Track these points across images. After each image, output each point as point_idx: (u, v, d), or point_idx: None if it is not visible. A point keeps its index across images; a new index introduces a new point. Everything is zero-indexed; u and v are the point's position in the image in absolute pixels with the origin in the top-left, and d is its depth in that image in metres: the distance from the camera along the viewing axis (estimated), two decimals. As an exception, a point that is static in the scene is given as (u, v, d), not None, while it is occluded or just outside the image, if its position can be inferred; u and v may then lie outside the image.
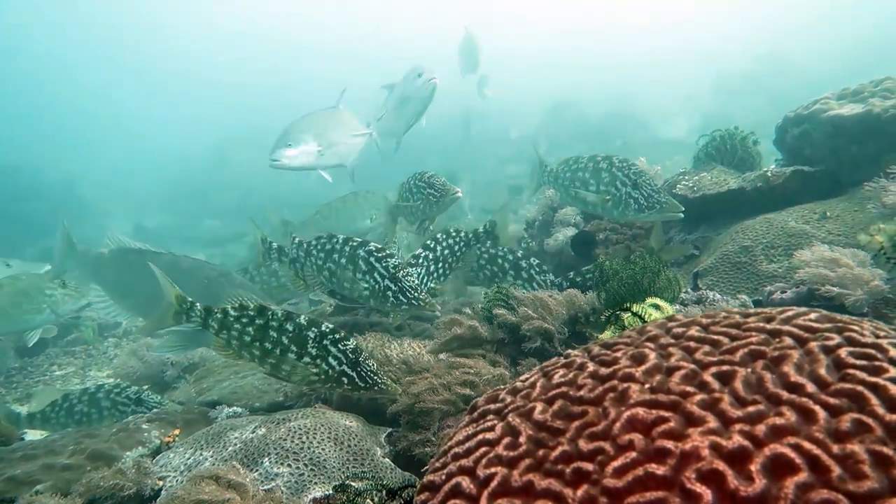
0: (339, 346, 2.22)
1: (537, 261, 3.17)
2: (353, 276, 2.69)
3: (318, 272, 2.85)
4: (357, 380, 2.24)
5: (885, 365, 0.89)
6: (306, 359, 2.21)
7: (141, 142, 20.16)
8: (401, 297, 2.62)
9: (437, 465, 1.04)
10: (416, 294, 2.64)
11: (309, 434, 2.12)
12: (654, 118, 10.24)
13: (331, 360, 2.21)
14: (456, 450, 1.03)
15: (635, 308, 2.34)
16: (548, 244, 3.94)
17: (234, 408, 2.79)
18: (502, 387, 1.16)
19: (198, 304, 2.27)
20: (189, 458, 2.19)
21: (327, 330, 2.21)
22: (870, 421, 0.82)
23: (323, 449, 2.06)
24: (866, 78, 3.29)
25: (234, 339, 2.24)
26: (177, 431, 2.55)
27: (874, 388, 0.86)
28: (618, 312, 2.34)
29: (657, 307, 2.34)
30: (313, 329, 2.20)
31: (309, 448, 2.05)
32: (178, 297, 2.27)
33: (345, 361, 2.22)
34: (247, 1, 23.70)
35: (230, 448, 2.16)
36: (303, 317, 2.22)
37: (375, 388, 2.23)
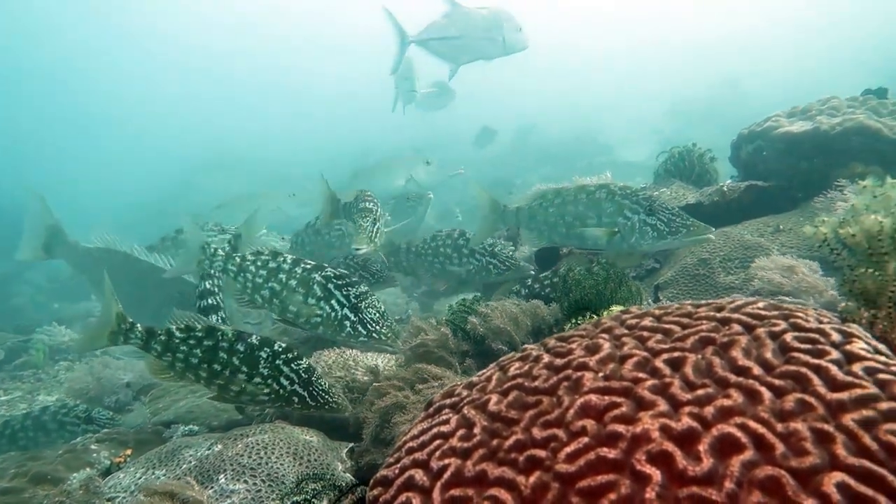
0: (292, 365, 2.18)
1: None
2: (304, 301, 2.59)
3: (253, 291, 2.72)
4: (308, 399, 2.20)
5: (828, 348, 0.92)
6: (257, 379, 2.15)
7: (104, 164, 19.69)
8: (359, 329, 2.55)
9: (391, 460, 1.02)
10: (376, 327, 2.57)
11: (267, 449, 2.06)
12: (616, 142, 10.53)
13: (282, 379, 2.17)
14: (410, 444, 1.01)
15: (601, 314, 2.36)
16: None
17: (191, 426, 2.69)
18: (459, 382, 1.14)
19: (139, 325, 2.16)
20: (140, 478, 2.10)
21: (280, 349, 2.16)
22: (812, 400, 0.84)
23: (281, 464, 2.00)
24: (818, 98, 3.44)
25: (178, 361, 2.15)
26: (128, 451, 2.45)
27: (817, 369, 0.88)
28: (579, 322, 2.35)
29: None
30: (266, 349, 2.15)
31: (267, 464, 1.99)
32: (119, 316, 2.17)
33: (296, 381, 2.18)
34: (208, 29, 23.53)
35: (184, 466, 2.08)
36: (254, 336, 2.16)
37: (326, 406, 2.20)
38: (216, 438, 2.17)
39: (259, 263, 2.76)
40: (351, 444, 2.27)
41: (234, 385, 2.15)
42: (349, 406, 2.31)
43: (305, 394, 2.17)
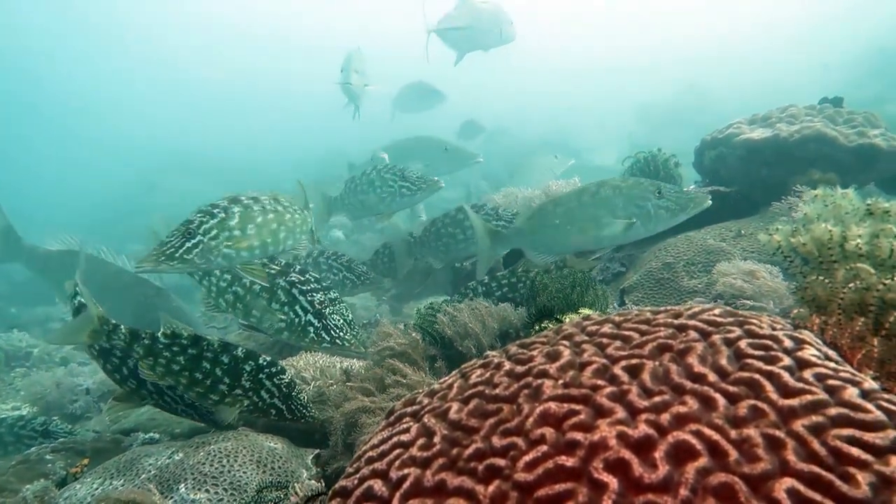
0: (275, 380, 2.17)
1: None
2: (268, 306, 2.56)
3: (219, 294, 2.68)
4: (286, 412, 2.21)
5: (780, 354, 0.94)
6: (238, 391, 2.13)
7: (64, 163, 19.07)
8: (323, 335, 2.53)
9: (351, 470, 1.00)
10: (340, 334, 2.55)
11: (230, 457, 2.02)
12: (586, 145, 10.67)
13: (263, 393, 2.16)
14: (370, 454, 0.99)
15: (565, 320, 2.37)
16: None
17: (152, 434, 2.62)
18: (420, 390, 1.14)
19: (122, 326, 2.12)
20: (98, 489, 2.04)
21: (264, 363, 2.15)
22: (765, 406, 0.85)
23: (245, 472, 1.96)
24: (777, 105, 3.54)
25: (160, 366, 2.11)
26: (85, 461, 2.37)
27: (769, 375, 0.90)
28: (546, 326, 2.37)
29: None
30: (250, 362, 2.13)
31: (229, 472, 1.95)
32: (101, 318, 2.11)
33: (277, 395, 2.18)
34: (175, 28, 22.94)
35: (143, 476, 2.03)
36: (240, 349, 2.14)
37: (303, 420, 2.20)
38: (178, 446, 2.11)
39: None
40: (317, 451, 2.24)
41: (214, 394, 2.12)
42: (321, 417, 2.31)
43: (284, 407, 2.18)
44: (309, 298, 2.56)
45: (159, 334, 2.10)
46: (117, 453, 2.41)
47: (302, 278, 2.64)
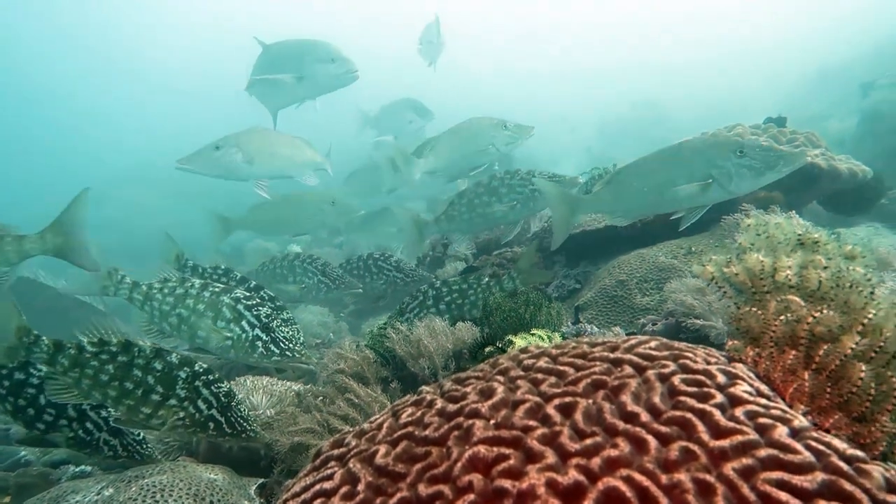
0: (212, 388, 2.06)
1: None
2: (213, 325, 2.49)
3: (161, 319, 2.60)
4: (225, 425, 2.07)
5: (713, 391, 0.92)
6: (172, 401, 2.01)
7: (4, 174, 18.20)
8: (272, 348, 2.46)
9: (270, 522, 0.94)
10: (289, 345, 2.49)
11: (164, 492, 1.91)
12: (545, 157, 10.80)
13: (200, 402, 2.04)
14: (291, 503, 0.93)
15: (517, 341, 2.35)
16: (439, 275, 3.98)
17: (83, 467, 2.48)
18: (350, 430, 1.08)
19: (44, 338, 2.00)
20: (17, 531, 1.91)
21: (200, 370, 2.04)
22: (696, 448, 0.83)
23: (180, 508, 1.86)
24: (725, 124, 3.63)
25: (86, 377, 1.99)
26: (6, 500, 2.22)
27: (702, 414, 0.88)
28: (499, 346, 2.34)
29: (541, 339, 2.37)
30: (185, 369, 2.02)
31: (164, 508, 1.85)
32: (20, 329, 1.99)
33: (215, 405, 2.06)
34: (124, 31, 22.10)
35: (69, 514, 1.91)
36: (174, 355, 2.03)
37: (244, 434, 2.08)
38: (109, 481, 1.99)
39: (166, 290, 2.64)
40: (261, 480, 2.15)
41: (146, 407, 1.99)
42: (266, 437, 2.21)
43: (223, 419, 2.05)
44: (255, 313, 2.50)
45: (86, 342, 1.99)
46: (45, 488, 2.26)
47: (245, 294, 2.58)
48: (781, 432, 0.83)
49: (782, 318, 0.98)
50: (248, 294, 2.58)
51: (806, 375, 0.95)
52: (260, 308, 2.52)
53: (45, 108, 21.01)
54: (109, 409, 2.01)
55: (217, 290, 2.57)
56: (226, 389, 2.07)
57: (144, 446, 2.05)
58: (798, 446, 0.81)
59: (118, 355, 1.99)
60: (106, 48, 21.84)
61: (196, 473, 2.03)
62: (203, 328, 2.56)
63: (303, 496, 0.93)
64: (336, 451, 1.02)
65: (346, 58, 4.16)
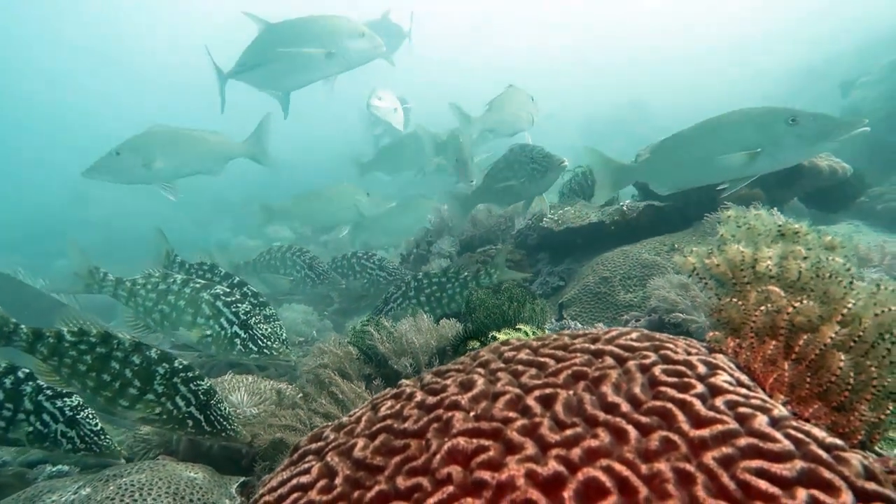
0: (191, 385, 2.03)
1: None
2: (193, 321, 2.48)
3: (145, 314, 2.60)
4: (204, 423, 2.05)
5: (693, 381, 0.91)
6: (150, 396, 1.99)
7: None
8: (250, 346, 2.45)
9: (245, 517, 0.92)
10: (268, 343, 2.48)
11: (143, 491, 1.87)
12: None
13: (178, 399, 2.01)
14: (266, 498, 0.91)
15: (500, 337, 2.34)
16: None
17: (60, 466, 2.43)
18: (328, 424, 1.06)
19: (23, 326, 2.00)
20: (-9, 531, 1.87)
21: (180, 366, 2.01)
22: (676, 438, 0.82)
23: (159, 507, 1.83)
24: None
25: (65, 366, 1.98)
26: (-19, 500, 2.16)
27: (682, 404, 0.87)
28: (482, 341, 2.33)
29: (525, 335, 2.37)
30: (164, 364, 2.00)
31: (142, 507, 1.81)
32: None
33: (193, 402, 2.03)
34: (106, 19, 21.44)
35: (44, 515, 1.86)
36: (154, 350, 2.01)
37: (223, 433, 2.05)
38: (86, 480, 1.95)
39: (149, 286, 2.64)
40: (243, 479, 2.12)
41: (124, 399, 1.97)
42: (247, 436, 2.18)
43: (202, 417, 2.02)
44: (234, 310, 2.48)
45: (65, 331, 1.98)
46: (20, 488, 2.21)
47: (225, 290, 2.56)
48: (761, 421, 0.83)
49: (762, 308, 0.98)
50: (227, 291, 2.56)
51: (786, 365, 0.95)
52: (239, 305, 2.50)
53: (25, 103, 20.60)
54: (65, 399, 1.98)
55: (198, 286, 2.55)
56: (205, 387, 2.04)
57: (103, 437, 2.01)
58: (778, 435, 0.81)
59: (97, 346, 1.98)
60: (91, 41, 21.41)
61: (176, 472, 1.99)
62: (184, 324, 2.55)
63: (279, 490, 0.91)
64: (314, 445, 1.00)
65: (372, 32, 4.05)
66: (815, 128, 2.36)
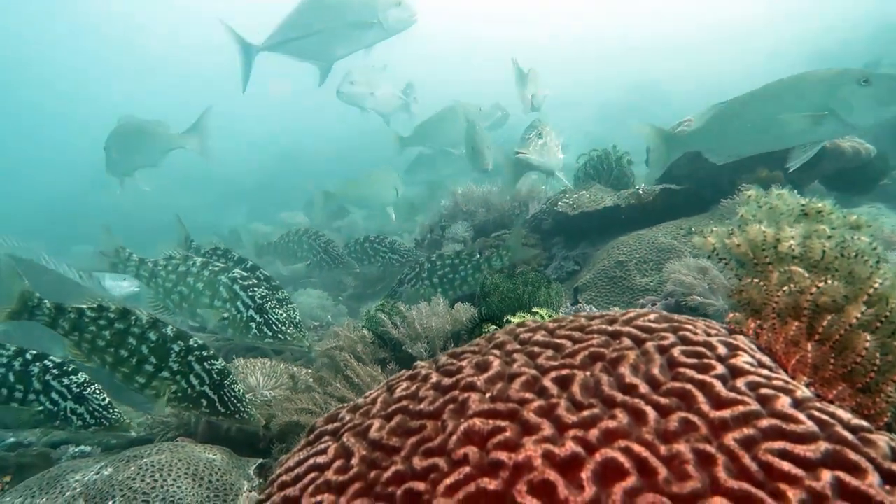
0: (205, 364, 2.06)
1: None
2: (210, 304, 2.51)
3: (165, 295, 2.63)
4: (217, 404, 2.08)
5: (713, 362, 0.90)
6: (165, 373, 2.02)
7: (8, 159, 18.03)
8: (265, 330, 2.48)
9: (262, 497, 0.92)
10: (282, 328, 2.50)
11: (163, 471, 1.90)
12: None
13: (192, 378, 2.04)
14: (284, 477, 0.92)
15: (515, 321, 2.33)
16: (439, 257, 3.98)
17: (83, 447, 2.48)
18: (344, 405, 1.06)
19: (47, 301, 2.06)
20: (16, 510, 1.91)
21: (195, 345, 2.04)
22: (695, 419, 0.81)
23: (179, 487, 1.86)
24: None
25: (85, 341, 2.04)
26: (7, 478, 2.22)
27: (702, 385, 0.86)
28: (497, 324, 2.32)
29: (540, 318, 2.35)
30: (179, 342, 2.03)
31: (162, 487, 1.84)
32: (23, 294, 2.03)
33: (207, 382, 2.06)
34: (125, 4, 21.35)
35: (68, 493, 1.90)
36: (170, 327, 2.04)
37: (237, 415, 2.07)
38: (108, 461, 1.99)
39: (170, 268, 2.69)
40: (260, 460, 2.15)
41: (140, 376, 2.01)
42: (261, 419, 2.20)
43: (215, 398, 2.06)
44: (250, 294, 2.51)
45: (86, 307, 2.04)
46: (45, 468, 2.26)
47: (242, 274, 2.59)
48: (784, 402, 0.82)
49: (785, 288, 0.96)
50: (244, 275, 2.58)
51: (809, 346, 0.93)
52: (255, 289, 2.52)
53: (45, 90, 20.76)
54: (71, 377, 2.02)
55: (216, 269, 2.58)
56: (219, 367, 2.07)
57: (111, 411, 2.05)
58: (801, 416, 0.79)
59: (115, 322, 2.03)
60: (113, 29, 21.44)
61: (195, 454, 2.02)
62: (201, 306, 2.59)
63: (296, 470, 0.91)
64: (330, 426, 1.00)
65: (407, 1, 4.08)
66: (891, 89, 2.18)
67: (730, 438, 0.78)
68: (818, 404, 0.82)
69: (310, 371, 2.62)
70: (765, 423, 0.79)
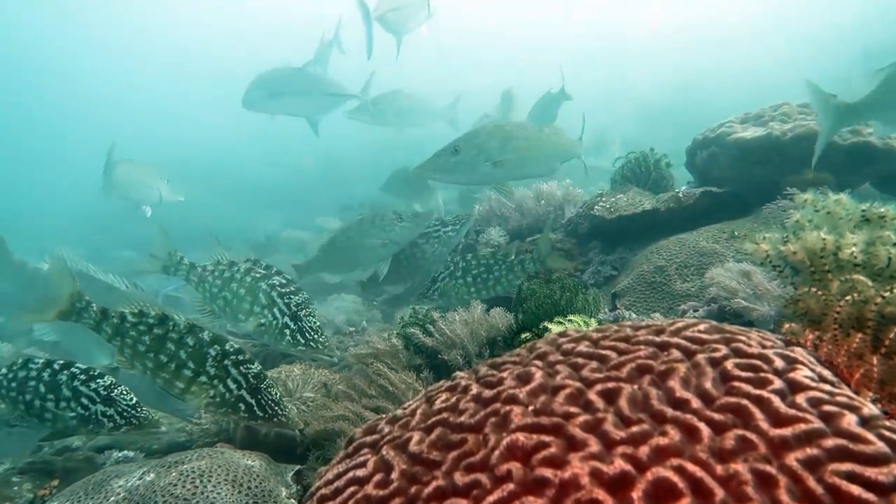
0: (241, 368, 2.07)
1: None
2: (250, 310, 2.55)
3: (211, 300, 2.68)
4: (255, 408, 2.09)
5: (770, 376, 0.85)
6: (203, 378, 2.04)
7: (47, 171, 18.69)
8: (298, 338, 2.49)
9: (302, 509, 0.91)
10: (314, 336, 2.52)
11: (203, 477, 1.92)
12: (590, 144, 10.58)
13: (229, 382, 2.06)
14: (323, 491, 0.90)
15: (553, 327, 2.29)
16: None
17: (126, 452, 2.53)
18: (383, 416, 1.05)
19: (94, 304, 2.08)
20: (64, 513, 1.95)
21: (231, 349, 2.06)
22: (753, 437, 0.76)
23: (218, 493, 1.87)
24: (771, 103, 3.45)
25: (127, 347, 2.07)
26: (54, 482, 2.28)
27: (759, 401, 0.81)
28: (535, 332, 2.28)
29: (578, 325, 2.31)
30: (216, 346, 2.05)
31: (202, 493, 1.86)
32: (73, 296, 2.06)
33: (244, 386, 2.07)
34: (168, 16, 21.92)
35: (112, 499, 1.93)
36: (206, 332, 2.06)
37: (275, 419, 2.08)
38: (150, 466, 2.03)
39: (217, 273, 2.74)
40: (298, 467, 2.16)
41: (180, 381, 2.03)
42: (299, 422, 2.21)
43: (253, 402, 2.06)
44: (286, 301, 2.53)
45: (127, 312, 2.06)
46: (89, 472, 2.31)
47: (281, 280, 2.61)
48: (850, 420, 0.76)
49: (847, 298, 0.91)
50: (283, 281, 2.60)
51: (874, 360, 0.87)
52: (292, 296, 2.54)
53: (88, 101, 21.44)
54: (98, 381, 2.06)
55: (258, 275, 2.62)
56: (255, 370, 2.08)
57: (140, 409, 2.09)
58: (870, 436, 0.74)
59: (154, 327, 2.06)
60: (144, 41, 22.06)
61: (234, 460, 2.04)
62: (242, 312, 2.63)
63: (336, 483, 0.90)
64: (369, 438, 0.99)
65: None
66: None
67: (792, 458, 0.74)
68: (888, 423, 0.77)
69: (343, 376, 2.63)
70: (830, 442, 0.74)
